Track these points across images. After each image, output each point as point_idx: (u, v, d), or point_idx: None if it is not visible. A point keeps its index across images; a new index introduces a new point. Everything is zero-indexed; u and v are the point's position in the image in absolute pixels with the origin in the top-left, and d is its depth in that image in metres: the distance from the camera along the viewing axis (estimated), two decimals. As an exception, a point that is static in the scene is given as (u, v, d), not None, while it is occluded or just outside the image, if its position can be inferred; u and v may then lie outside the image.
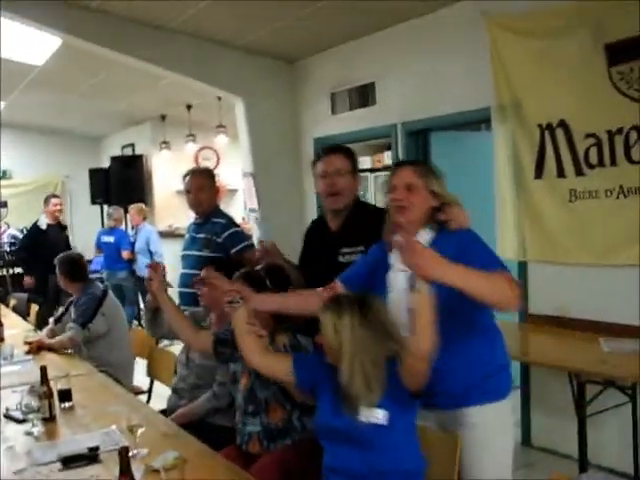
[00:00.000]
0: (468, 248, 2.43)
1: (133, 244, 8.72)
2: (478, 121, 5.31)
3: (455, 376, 2.49)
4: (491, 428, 2.54)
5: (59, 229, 8.30)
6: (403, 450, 2.34)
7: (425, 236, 2.53)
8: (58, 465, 2.51)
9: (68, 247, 7.93)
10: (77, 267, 4.76)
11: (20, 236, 10.09)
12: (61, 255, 4.86)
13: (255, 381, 2.96)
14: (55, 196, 8.40)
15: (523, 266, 4.69)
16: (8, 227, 10.40)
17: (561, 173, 4.33)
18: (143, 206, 8.85)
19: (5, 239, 10.00)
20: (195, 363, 3.63)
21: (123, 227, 9.26)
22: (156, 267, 3.43)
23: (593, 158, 4.14)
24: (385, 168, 7.04)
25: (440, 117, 5.22)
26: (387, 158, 6.24)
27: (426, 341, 2.15)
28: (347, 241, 3.19)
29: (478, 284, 2.21)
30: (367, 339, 2.28)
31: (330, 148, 3.49)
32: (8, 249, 9.90)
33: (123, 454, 2.00)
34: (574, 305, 4.33)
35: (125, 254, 8.67)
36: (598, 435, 3.99)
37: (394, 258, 2.55)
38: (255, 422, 2.95)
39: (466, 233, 2.53)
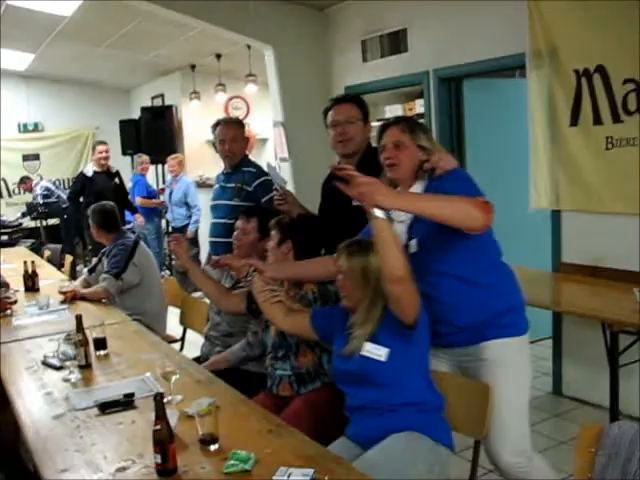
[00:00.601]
0: (447, 183, 2.55)
1: (162, 193, 8.76)
2: (512, 67, 5.17)
3: (464, 311, 2.60)
4: (510, 363, 2.63)
5: (107, 177, 8.12)
6: (410, 384, 2.48)
7: (418, 188, 2.67)
8: (95, 410, 2.57)
9: (120, 194, 7.93)
10: (109, 217, 4.77)
11: (53, 188, 10.19)
12: (93, 205, 4.88)
13: None
14: (101, 143, 8.19)
15: (556, 215, 4.63)
16: (41, 179, 10.49)
17: (597, 120, 4.23)
18: (179, 156, 8.82)
19: (39, 191, 10.08)
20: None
21: (147, 174, 9.33)
22: (179, 241, 3.55)
23: (632, 104, 4.03)
24: (418, 116, 6.94)
25: (473, 63, 5.10)
26: (419, 106, 6.14)
27: (395, 263, 2.26)
28: None
29: (435, 207, 2.35)
30: (379, 279, 2.42)
31: (340, 97, 3.55)
32: (41, 201, 9.98)
33: (158, 400, 2.03)
34: (608, 255, 4.27)
35: (137, 200, 8.71)
36: (630, 386, 3.97)
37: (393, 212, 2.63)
38: (285, 366, 3.02)
39: (449, 174, 2.63)
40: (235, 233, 3.64)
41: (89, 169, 8.12)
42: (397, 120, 2.85)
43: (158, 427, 2.01)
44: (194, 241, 8.33)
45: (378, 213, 2.22)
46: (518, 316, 2.71)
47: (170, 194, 8.67)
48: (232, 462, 2.04)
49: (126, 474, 2.06)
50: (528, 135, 4.69)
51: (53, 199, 10.02)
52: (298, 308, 2.91)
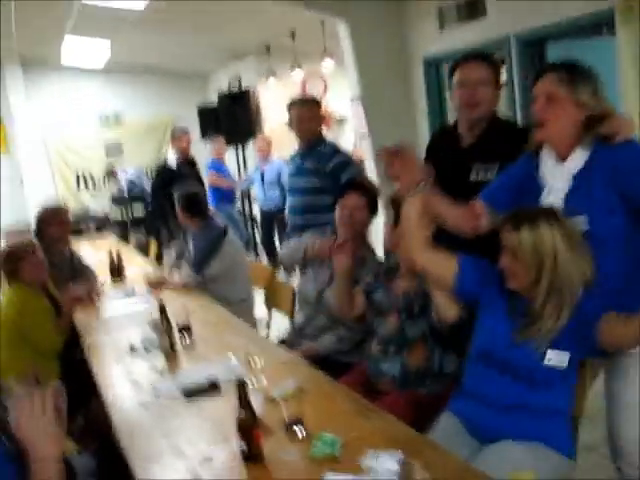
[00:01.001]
0: (625, 168, 2.19)
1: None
2: (599, 25, 4.89)
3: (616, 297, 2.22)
4: None
5: (189, 166, 8.00)
6: (560, 389, 2.23)
7: (582, 154, 2.28)
8: (181, 397, 2.55)
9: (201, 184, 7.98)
10: (194, 202, 4.72)
11: (136, 180, 10.31)
12: (180, 191, 4.85)
13: (406, 320, 2.81)
14: (183, 130, 7.99)
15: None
16: (125, 172, 10.66)
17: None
18: (267, 138, 8.76)
19: (123, 183, 10.24)
20: (328, 306, 3.39)
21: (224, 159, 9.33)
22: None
23: None
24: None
25: (557, 24, 4.83)
26: (502, 74, 5.91)
27: None
28: (482, 156, 2.89)
29: None
30: (568, 261, 2.12)
31: (471, 54, 3.10)
32: (126, 195, 10.15)
33: (241, 387, 1.98)
34: None
35: (209, 178, 8.68)
36: None
37: (546, 172, 2.36)
38: (395, 362, 2.80)
39: (626, 148, 2.22)
40: (345, 211, 3.36)
41: (171, 160, 8.19)
42: (556, 66, 2.40)
43: (242, 414, 1.96)
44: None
45: None
46: None
47: (262, 175, 8.62)
48: (318, 446, 1.97)
49: (212, 461, 2.02)
50: (618, 97, 4.41)
51: (137, 191, 10.18)
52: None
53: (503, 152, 2.72)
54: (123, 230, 9.79)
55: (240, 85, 9.74)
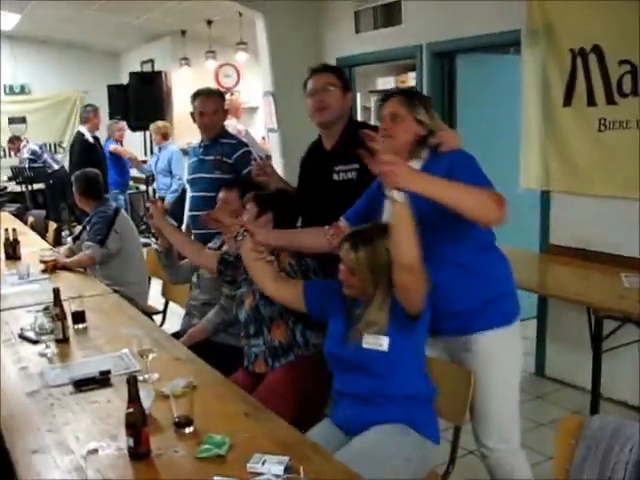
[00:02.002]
0: (456, 166, 2.45)
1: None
2: (507, 44, 5.10)
3: (459, 298, 2.53)
4: (498, 355, 2.58)
5: (99, 143, 8.20)
6: (406, 375, 2.41)
7: (415, 166, 2.50)
8: (70, 388, 2.52)
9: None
10: (93, 184, 4.71)
11: (39, 152, 10.01)
12: (77, 172, 4.81)
13: (260, 300, 2.97)
14: (95, 108, 8.34)
15: (546, 196, 4.58)
16: (27, 142, 10.31)
17: (591, 101, 4.16)
18: (163, 124, 8.63)
19: (25, 154, 9.91)
20: (204, 277, 3.70)
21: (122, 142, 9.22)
22: (155, 203, 3.59)
23: (626, 86, 3.95)
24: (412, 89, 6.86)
25: (467, 38, 5.00)
26: (411, 79, 6.07)
27: (408, 251, 2.17)
28: (341, 159, 3.20)
29: (456, 195, 2.23)
30: (387, 268, 2.30)
31: (318, 67, 3.43)
32: (27, 165, 9.84)
33: (132, 382, 1.98)
34: (596, 238, 4.24)
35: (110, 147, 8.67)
36: (612, 369, 3.97)
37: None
38: (259, 342, 2.99)
39: (457, 153, 2.54)
40: (217, 206, 3.57)
41: (87, 135, 8.05)
42: (397, 92, 2.79)
43: (131, 410, 1.96)
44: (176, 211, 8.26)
45: (397, 196, 2.12)
46: (509, 303, 2.65)
47: (156, 162, 8.50)
48: (206, 446, 2.00)
49: (98, 457, 2.02)
50: (520, 113, 4.62)
51: (39, 163, 9.88)
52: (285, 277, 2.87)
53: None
54: (22, 206, 9.46)
55: (153, 67, 9.59)
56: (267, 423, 2.22)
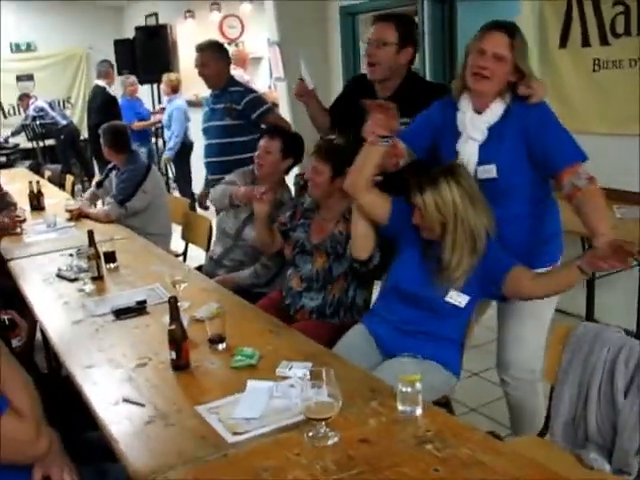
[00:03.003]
0: (549, 123, 2.52)
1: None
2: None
3: (519, 239, 2.64)
4: None
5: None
6: (458, 323, 2.62)
7: (499, 109, 2.56)
8: (111, 316, 2.80)
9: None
10: (121, 137, 4.82)
11: (47, 108, 10.13)
12: (105, 125, 4.90)
13: (334, 261, 3.09)
14: (111, 64, 8.58)
15: (543, 135, 4.77)
16: (36, 99, 10.43)
17: (586, 42, 4.33)
18: (175, 77, 8.74)
19: (32, 112, 10.03)
20: (246, 242, 3.76)
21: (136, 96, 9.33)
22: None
23: (619, 27, 4.12)
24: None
25: (467, -17, 5.14)
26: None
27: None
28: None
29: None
30: (469, 215, 2.44)
31: (381, 16, 3.35)
32: (37, 122, 9.98)
33: (173, 302, 2.25)
34: (592, 173, 4.41)
35: (134, 125, 8.69)
36: (606, 297, 4.23)
37: (466, 121, 2.62)
38: (317, 297, 3.11)
39: (545, 108, 2.56)
40: (258, 152, 3.67)
41: (107, 87, 8.28)
42: (509, 28, 2.53)
43: (173, 327, 2.23)
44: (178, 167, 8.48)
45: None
46: (557, 244, 2.80)
47: (165, 115, 8.64)
48: (239, 357, 2.28)
49: (145, 369, 2.30)
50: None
51: (48, 119, 10.01)
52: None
53: (415, 109, 2.92)
54: (35, 162, 9.64)
55: (157, 20, 9.67)
56: (290, 338, 2.51)
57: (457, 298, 2.53)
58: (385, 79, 3.26)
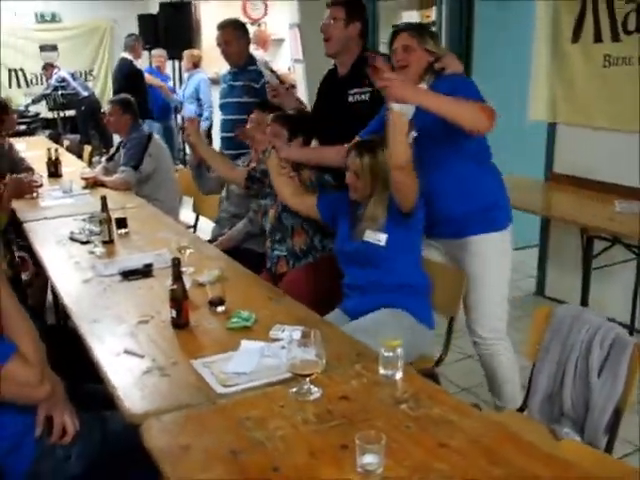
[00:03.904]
0: (458, 87, 2.79)
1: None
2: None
3: (456, 203, 2.93)
4: (491, 255, 3.00)
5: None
6: (402, 268, 2.82)
7: (424, 86, 2.86)
8: (118, 277, 2.94)
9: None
10: (129, 104, 4.97)
11: (69, 79, 10.25)
12: (115, 96, 5.06)
13: (282, 211, 3.41)
14: (138, 38, 8.78)
15: (552, 127, 4.87)
16: (59, 69, 10.53)
17: (598, 38, 4.40)
18: (198, 52, 8.88)
19: (54, 81, 10.12)
20: (234, 193, 4.12)
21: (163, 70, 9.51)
22: (192, 121, 3.95)
23: (631, 24, 4.19)
24: (433, 23, 7.02)
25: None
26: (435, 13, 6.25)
27: (401, 153, 2.58)
28: (355, 83, 3.50)
29: (450, 106, 2.60)
30: (387, 173, 2.71)
31: (329, 1, 3.67)
32: (59, 92, 10.09)
33: (176, 264, 2.38)
34: (596, 167, 4.52)
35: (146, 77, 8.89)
36: (604, 288, 4.33)
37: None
38: (282, 247, 3.45)
39: (458, 76, 2.97)
40: (249, 125, 3.88)
41: (133, 60, 8.41)
42: (406, 26, 3.16)
43: (174, 287, 2.36)
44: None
45: (395, 107, 2.51)
46: (501, 212, 3.06)
47: (184, 90, 8.81)
48: (235, 319, 2.41)
49: (146, 326, 2.44)
50: (533, 51, 4.87)
51: (69, 90, 10.12)
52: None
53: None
54: (55, 131, 9.78)
55: (182, -4, 9.76)
56: (285, 304, 2.63)
57: (373, 236, 2.80)
58: (340, 53, 3.59)
